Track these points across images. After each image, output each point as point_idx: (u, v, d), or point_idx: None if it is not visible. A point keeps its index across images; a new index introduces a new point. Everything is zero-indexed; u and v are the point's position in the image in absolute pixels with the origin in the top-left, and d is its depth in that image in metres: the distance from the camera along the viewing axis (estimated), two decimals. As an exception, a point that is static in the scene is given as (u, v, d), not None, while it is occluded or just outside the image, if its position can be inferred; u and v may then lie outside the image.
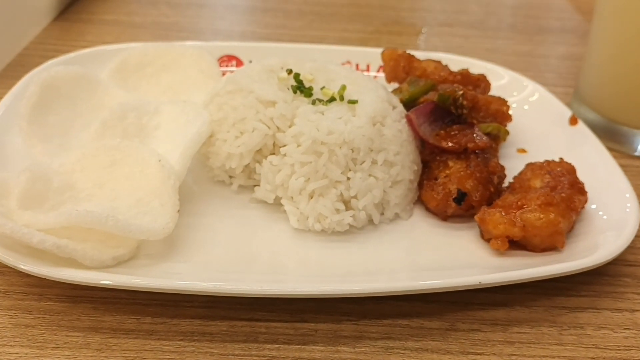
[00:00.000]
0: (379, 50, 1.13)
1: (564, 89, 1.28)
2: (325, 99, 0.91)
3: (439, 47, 1.47)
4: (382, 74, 1.14)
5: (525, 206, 0.83)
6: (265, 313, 0.76)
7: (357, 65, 1.23)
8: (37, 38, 1.38)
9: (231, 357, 0.71)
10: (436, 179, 0.90)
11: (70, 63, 1.01)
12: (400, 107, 0.96)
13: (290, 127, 0.88)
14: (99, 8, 1.56)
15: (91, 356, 0.69)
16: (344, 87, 0.92)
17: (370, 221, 0.88)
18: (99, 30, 1.45)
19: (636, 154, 1.10)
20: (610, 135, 1.10)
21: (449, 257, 0.84)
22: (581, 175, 0.90)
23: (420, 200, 0.93)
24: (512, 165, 0.95)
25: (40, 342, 0.70)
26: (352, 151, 0.86)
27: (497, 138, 0.99)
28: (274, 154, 0.89)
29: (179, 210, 0.81)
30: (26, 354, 0.69)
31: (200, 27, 1.54)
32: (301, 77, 0.93)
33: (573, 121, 1.07)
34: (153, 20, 1.54)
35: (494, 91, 1.09)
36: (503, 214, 0.82)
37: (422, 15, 1.70)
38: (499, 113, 1.01)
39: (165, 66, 1.08)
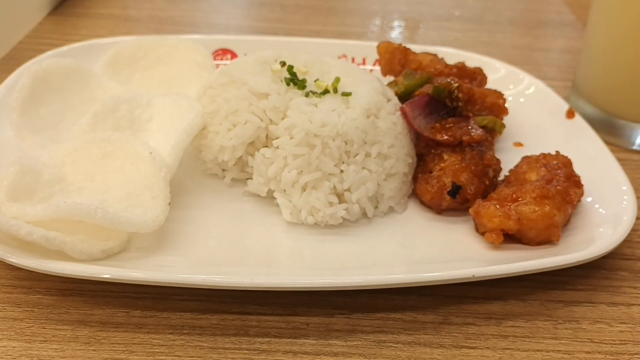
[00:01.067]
0: (375, 43, 1.12)
1: (563, 83, 1.27)
2: (319, 91, 0.90)
3: (437, 41, 1.46)
4: (378, 68, 1.13)
5: (520, 199, 0.82)
6: (257, 306, 0.75)
7: (353, 59, 1.22)
8: (32, 32, 1.38)
9: (221, 350, 0.70)
10: (431, 172, 0.89)
11: (62, 57, 1.00)
12: (395, 100, 0.95)
13: (283, 119, 0.87)
14: (93, 2, 1.55)
15: (79, 349, 0.69)
16: (337, 80, 0.91)
17: (364, 214, 0.87)
18: (93, 24, 1.44)
19: (633, 147, 1.09)
20: (608, 128, 1.09)
21: (444, 250, 0.83)
22: (578, 169, 0.89)
23: (414, 194, 0.92)
24: (509, 158, 0.94)
25: (28, 335, 0.70)
26: (346, 144, 0.85)
27: (492, 131, 0.98)
28: (266, 146, 0.88)
29: (170, 203, 0.80)
30: (14, 347, 0.68)
31: (196, 21, 1.53)
32: (295, 70, 0.92)
33: (570, 114, 1.06)
34: (148, 14, 1.53)
35: (490, 84, 1.08)
36: (498, 207, 0.81)
37: (420, 9, 1.69)
38: (495, 106, 1.00)
39: (159, 59, 1.07)
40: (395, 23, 1.60)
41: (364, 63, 1.22)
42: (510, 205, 0.81)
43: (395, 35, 1.54)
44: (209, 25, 1.52)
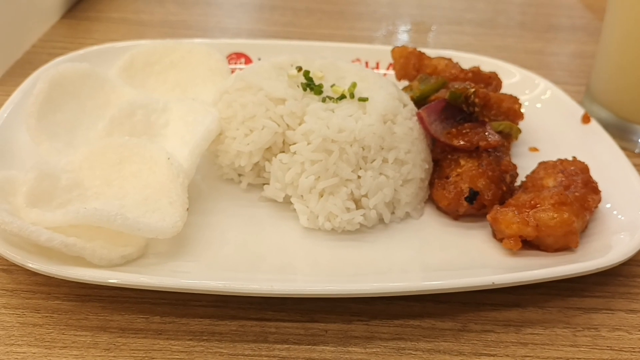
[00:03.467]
0: (389, 47, 1.12)
1: (575, 87, 1.26)
2: (336, 96, 0.90)
3: (448, 46, 1.46)
4: (391, 72, 1.13)
5: (538, 205, 0.82)
6: (275, 313, 0.75)
7: (366, 63, 1.22)
8: (45, 36, 1.38)
9: (241, 357, 0.70)
10: (447, 177, 0.89)
11: (78, 60, 1.00)
12: (411, 105, 0.95)
13: (300, 124, 0.87)
14: (106, 6, 1.55)
15: (99, 356, 0.69)
16: (354, 85, 0.91)
17: (381, 220, 0.87)
18: (106, 28, 1.45)
19: (650, 153, 1.09)
20: (624, 133, 1.09)
21: (461, 257, 0.82)
22: (594, 174, 0.88)
23: (431, 199, 0.91)
24: (524, 163, 0.94)
25: (48, 341, 0.70)
26: (363, 149, 0.85)
27: (509, 136, 0.98)
28: (283, 152, 0.88)
29: (188, 209, 0.80)
30: (34, 353, 0.68)
31: (208, 25, 1.53)
32: (311, 75, 0.92)
33: (585, 119, 1.06)
34: (160, 18, 1.53)
35: (505, 89, 1.08)
36: (516, 213, 0.81)
37: (431, 13, 1.69)
38: (511, 111, 1.00)
39: (174, 64, 1.07)
40: (407, 27, 1.59)
41: (377, 67, 1.22)
42: (528, 212, 0.81)
43: (407, 39, 1.54)
44: (220, 29, 1.52)
